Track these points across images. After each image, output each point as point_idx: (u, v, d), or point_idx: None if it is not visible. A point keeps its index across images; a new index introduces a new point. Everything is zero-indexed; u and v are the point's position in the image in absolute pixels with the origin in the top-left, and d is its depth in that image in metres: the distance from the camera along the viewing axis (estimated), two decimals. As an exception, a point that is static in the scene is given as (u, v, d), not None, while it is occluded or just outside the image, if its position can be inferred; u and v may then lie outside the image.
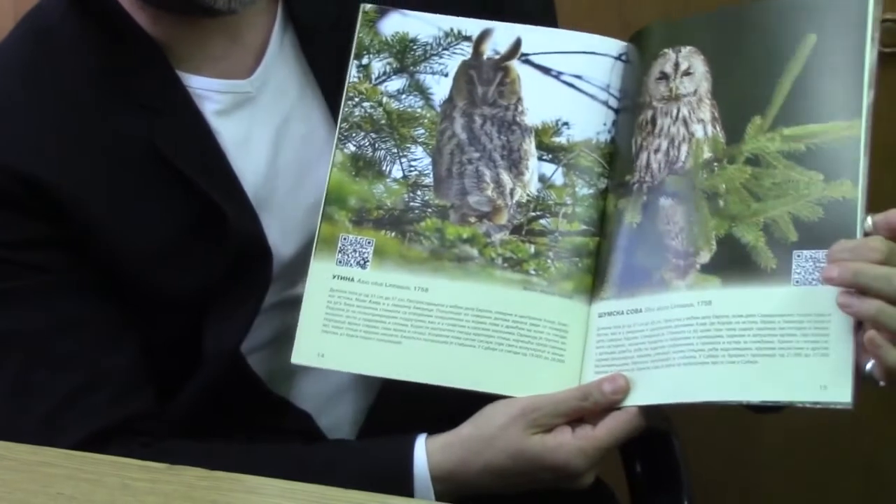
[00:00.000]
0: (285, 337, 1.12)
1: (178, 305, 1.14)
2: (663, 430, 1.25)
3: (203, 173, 1.12)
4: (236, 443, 1.12)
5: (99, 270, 1.12)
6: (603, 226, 1.11)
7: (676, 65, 1.11)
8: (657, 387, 1.04)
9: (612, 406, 1.05)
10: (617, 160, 1.12)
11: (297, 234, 1.15)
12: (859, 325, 0.98)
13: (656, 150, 1.11)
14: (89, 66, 1.13)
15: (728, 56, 1.10)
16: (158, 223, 1.13)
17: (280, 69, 1.18)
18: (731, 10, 1.12)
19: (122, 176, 1.13)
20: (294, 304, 1.12)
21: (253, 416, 1.15)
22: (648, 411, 1.05)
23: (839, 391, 0.97)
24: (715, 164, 1.07)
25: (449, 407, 1.08)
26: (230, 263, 1.12)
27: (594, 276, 1.10)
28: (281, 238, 1.15)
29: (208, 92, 1.15)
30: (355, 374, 1.17)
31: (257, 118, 1.17)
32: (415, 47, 1.15)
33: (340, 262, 1.11)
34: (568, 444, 1.04)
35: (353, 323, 1.09)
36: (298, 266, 1.12)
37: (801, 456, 1.80)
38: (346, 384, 1.19)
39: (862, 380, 0.98)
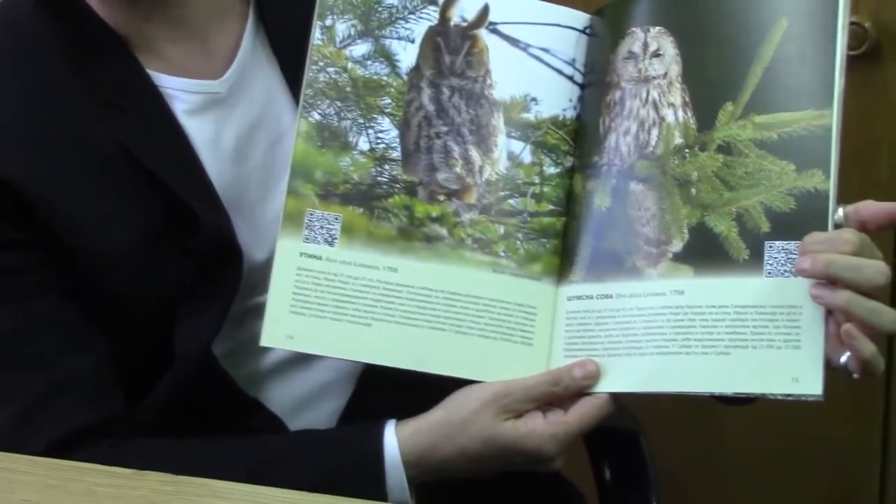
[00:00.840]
0: (254, 343, 1.11)
1: (148, 305, 1.12)
2: (631, 430, 1.27)
3: (173, 172, 1.10)
4: (204, 438, 1.11)
5: (68, 271, 1.10)
6: (569, 206, 1.11)
7: (645, 45, 1.10)
8: (629, 375, 1.06)
9: (582, 391, 1.06)
10: (583, 139, 1.12)
11: (269, 239, 1.11)
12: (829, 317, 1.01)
13: (625, 133, 1.10)
14: (57, 63, 1.11)
15: (699, 39, 1.09)
16: (128, 223, 1.11)
17: (252, 71, 1.17)
18: (702, -8, 1.11)
19: (91, 175, 1.10)
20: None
21: (225, 417, 1.14)
22: (618, 403, 1.06)
23: (810, 383, 1.00)
24: (686, 150, 1.08)
25: (420, 409, 1.08)
26: (200, 262, 1.11)
27: (561, 257, 1.10)
28: (252, 241, 1.14)
29: (178, 91, 1.13)
30: (326, 381, 1.17)
31: (228, 119, 1.15)
32: (380, 9, 1.12)
33: (308, 238, 1.08)
34: (540, 429, 1.05)
35: (322, 304, 1.08)
36: (269, 272, 1.10)
37: (768, 455, 1.82)
38: (319, 389, 1.18)
39: (836, 372, 1.00)
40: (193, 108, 1.14)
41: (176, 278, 1.11)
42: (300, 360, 1.17)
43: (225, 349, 1.15)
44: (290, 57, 1.13)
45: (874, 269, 0.97)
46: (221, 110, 1.15)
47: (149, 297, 1.12)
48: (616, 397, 1.07)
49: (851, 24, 1.51)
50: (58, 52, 1.11)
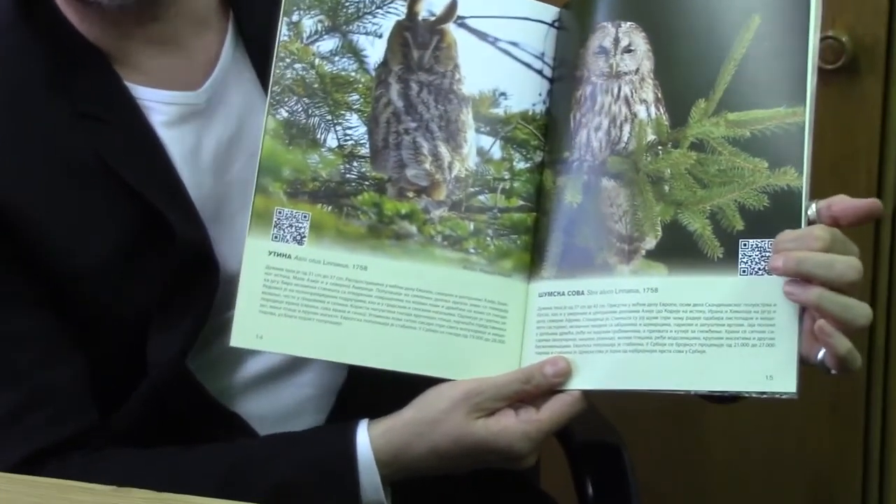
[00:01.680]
0: (232, 356, 1.10)
1: (123, 316, 1.10)
2: (613, 443, 1.26)
3: (149, 184, 1.09)
4: (177, 447, 1.09)
5: (43, 283, 1.09)
6: (539, 201, 1.10)
7: (616, 40, 1.10)
8: (601, 372, 1.05)
9: (554, 388, 1.06)
10: (553, 134, 1.11)
11: None
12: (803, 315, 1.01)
13: (597, 129, 1.10)
14: (35, 75, 1.10)
15: (671, 35, 1.09)
16: (104, 235, 1.10)
17: (231, 83, 1.16)
18: (673, -13, 1.11)
19: (68, 187, 1.09)
20: None
21: (202, 430, 1.12)
22: (600, 416, 1.06)
23: (785, 381, 1.00)
24: (659, 147, 1.07)
25: None
26: (176, 274, 1.10)
27: (532, 253, 1.10)
28: (230, 253, 1.12)
29: (156, 103, 1.13)
30: (306, 396, 1.16)
31: (207, 130, 1.14)
32: (347, 4, 1.11)
33: (276, 237, 1.07)
34: (512, 427, 1.04)
35: (292, 303, 1.06)
36: None
37: (749, 467, 1.81)
38: (299, 404, 1.17)
39: (813, 368, 1.00)
40: (172, 119, 1.13)
41: (151, 290, 1.10)
42: (279, 374, 1.16)
43: (202, 361, 1.13)
44: (269, 68, 1.11)
45: (845, 264, 0.97)
46: (200, 121, 1.14)
47: (124, 309, 1.10)
48: (588, 395, 1.06)
49: (828, 38, 1.53)
50: (36, 64, 1.11)
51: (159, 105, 1.13)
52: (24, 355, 1.08)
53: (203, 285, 1.11)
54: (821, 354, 0.99)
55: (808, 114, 1.03)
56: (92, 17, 1.11)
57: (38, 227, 1.08)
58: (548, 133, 1.11)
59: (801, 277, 0.98)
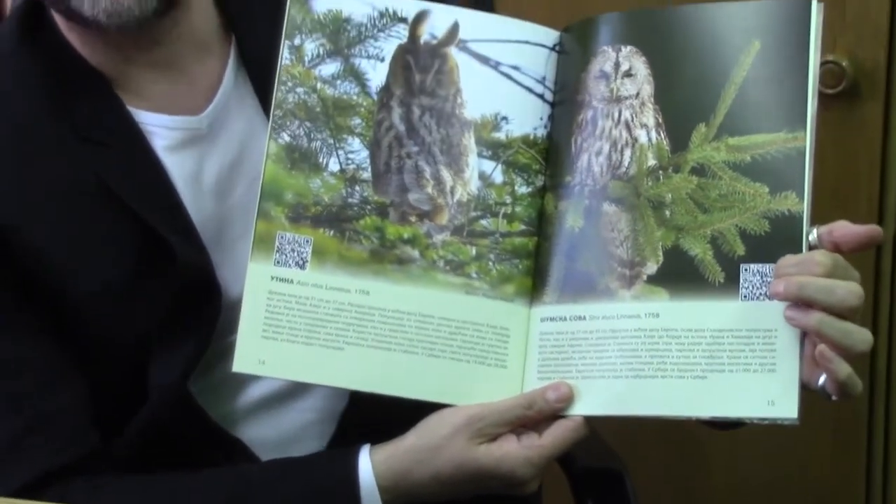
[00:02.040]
0: (233, 381, 1.10)
1: (125, 341, 1.10)
2: (616, 469, 1.26)
3: (152, 208, 1.10)
4: (178, 472, 1.10)
5: (45, 308, 1.09)
6: (541, 225, 1.10)
7: (617, 64, 1.10)
8: (603, 397, 1.05)
9: (556, 414, 1.06)
10: (554, 158, 1.11)
11: None
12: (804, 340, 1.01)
13: (598, 153, 1.10)
14: (38, 100, 1.11)
15: (671, 59, 1.09)
16: (107, 260, 1.10)
17: (233, 107, 1.16)
18: (673, 11, 1.11)
19: (70, 212, 1.10)
20: None
21: (203, 455, 1.12)
22: (602, 441, 1.05)
23: (786, 406, 1.00)
24: (660, 171, 1.07)
25: None
26: (178, 299, 1.10)
27: (534, 278, 1.10)
28: (231, 277, 1.12)
29: (158, 128, 1.13)
30: (308, 421, 1.16)
31: (208, 155, 1.14)
32: (348, 27, 1.11)
33: (278, 262, 1.07)
34: (514, 453, 1.04)
35: (294, 328, 1.06)
36: None
37: (751, 493, 1.80)
38: (300, 429, 1.17)
39: (815, 394, 1.00)
40: (174, 144, 1.13)
41: (152, 315, 1.10)
42: (281, 399, 1.16)
43: (203, 386, 1.13)
44: (271, 93, 1.11)
45: (846, 290, 0.97)
46: (202, 146, 1.14)
47: (126, 333, 1.10)
48: (590, 420, 1.06)
49: (829, 62, 1.53)
50: (39, 89, 1.11)
51: (161, 129, 1.13)
52: (26, 380, 1.08)
53: (205, 309, 1.11)
54: (821, 380, 0.99)
55: (808, 139, 1.04)
56: (94, 41, 1.12)
57: (40, 252, 1.08)
58: (549, 157, 1.11)
59: (802, 302, 0.98)
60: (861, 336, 0.98)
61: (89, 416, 1.11)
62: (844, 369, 0.98)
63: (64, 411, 1.09)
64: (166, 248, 1.09)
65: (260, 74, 1.15)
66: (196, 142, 1.14)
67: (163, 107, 1.13)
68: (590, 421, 1.06)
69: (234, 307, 1.08)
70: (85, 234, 1.10)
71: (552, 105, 1.12)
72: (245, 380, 1.14)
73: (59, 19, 1.13)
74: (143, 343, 1.10)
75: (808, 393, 1.00)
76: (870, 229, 1.01)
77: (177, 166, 1.13)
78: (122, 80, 1.13)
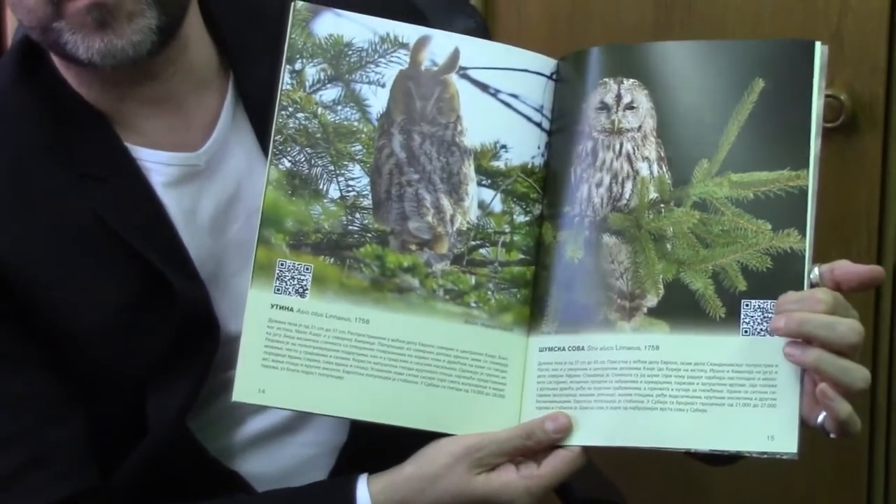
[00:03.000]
0: (232, 416, 1.09)
1: (123, 376, 1.10)
2: (614, 501, 1.26)
3: (149, 244, 1.09)
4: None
5: (44, 345, 1.08)
6: (538, 255, 1.10)
7: (618, 97, 1.10)
8: (601, 428, 1.05)
9: (554, 444, 1.05)
10: (552, 187, 1.11)
11: None
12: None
13: (598, 184, 1.10)
14: (35, 135, 1.10)
15: (674, 94, 1.09)
16: (105, 295, 1.09)
17: (230, 143, 1.15)
18: (676, 46, 1.11)
19: (68, 248, 1.09)
20: None
21: (201, 490, 1.11)
22: (602, 476, 1.05)
23: (786, 441, 1.00)
24: (661, 205, 1.07)
25: None
26: (176, 334, 1.09)
27: (532, 307, 1.09)
28: (228, 313, 1.12)
29: (156, 164, 1.12)
30: (306, 456, 1.15)
31: (206, 191, 1.14)
32: (350, 52, 1.10)
33: (278, 289, 1.06)
34: (513, 483, 1.04)
35: (294, 356, 1.05)
36: None
37: None
38: (299, 463, 1.16)
39: (813, 431, 1.00)
40: (171, 180, 1.13)
41: (151, 350, 1.09)
42: (279, 434, 1.16)
43: (201, 421, 1.13)
44: (269, 129, 1.10)
45: (846, 326, 0.98)
46: (199, 182, 1.14)
47: (124, 368, 1.10)
48: (589, 451, 1.06)
49: (827, 96, 1.53)
50: (36, 124, 1.10)
51: (159, 166, 1.12)
52: (26, 415, 1.08)
53: (203, 345, 1.10)
54: (821, 418, 1.00)
55: (811, 178, 1.04)
56: (90, 79, 1.11)
57: (39, 289, 1.07)
58: (546, 186, 1.11)
59: (802, 338, 0.99)
60: (859, 374, 0.98)
61: (90, 451, 1.10)
62: (845, 408, 0.98)
63: (64, 445, 1.08)
64: (165, 283, 1.08)
65: (257, 110, 1.15)
66: (194, 178, 1.14)
67: (160, 143, 1.13)
68: (588, 451, 1.06)
69: (232, 342, 1.08)
70: (83, 270, 1.09)
71: (549, 134, 1.12)
72: (243, 414, 1.13)
73: (55, 57, 1.12)
74: (142, 378, 1.10)
75: (809, 428, 1.00)
76: (871, 269, 1.01)
77: (174, 202, 1.12)
78: (120, 117, 1.13)
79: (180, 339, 1.09)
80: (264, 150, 1.13)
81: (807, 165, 1.04)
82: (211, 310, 1.11)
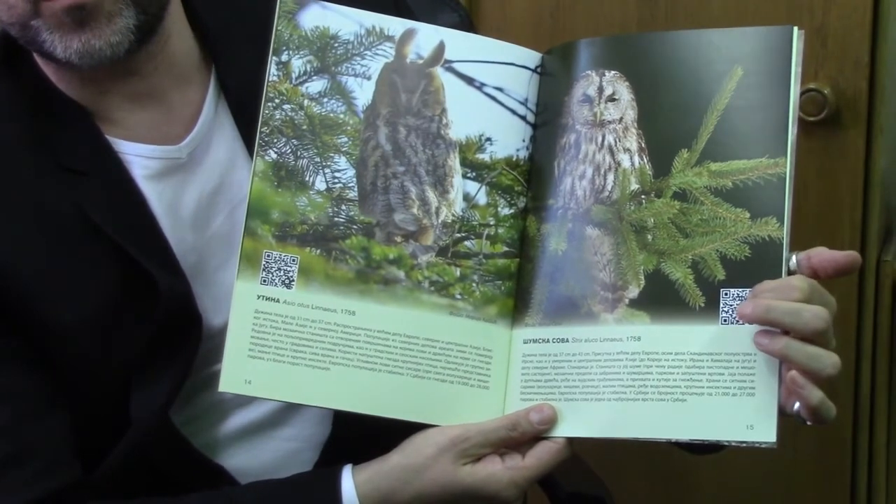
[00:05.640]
0: (216, 410, 1.10)
1: (106, 371, 1.10)
2: (599, 496, 1.26)
3: (131, 237, 1.09)
4: (160, 498, 1.09)
5: (26, 339, 1.08)
6: (522, 247, 1.11)
7: (600, 89, 1.11)
8: (586, 420, 1.06)
9: (539, 435, 1.06)
10: (536, 180, 1.12)
11: (228, 305, 1.09)
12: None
13: (581, 177, 1.11)
14: (16, 130, 1.10)
15: (654, 85, 1.10)
16: (87, 289, 1.09)
17: (213, 136, 1.15)
18: (657, 37, 1.12)
19: (50, 242, 1.09)
20: None
21: (186, 484, 1.11)
22: (585, 463, 1.06)
23: (765, 430, 1.01)
24: (642, 196, 1.08)
25: None
26: (159, 328, 1.09)
27: (516, 299, 1.10)
28: (212, 307, 1.12)
29: (137, 157, 1.12)
30: (290, 450, 1.16)
31: (188, 184, 1.14)
32: (336, 45, 1.11)
33: (265, 280, 1.07)
34: (498, 474, 1.05)
35: (280, 347, 1.06)
36: None
37: None
38: (283, 457, 1.17)
39: (788, 419, 1.01)
40: (153, 173, 1.13)
41: (134, 344, 1.10)
42: (263, 428, 1.16)
43: (185, 416, 1.14)
44: (251, 122, 1.11)
45: (811, 313, 0.98)
46: (181, 175, 1.14)
47: (108, 362, 1.10)
48: (574, 443, 1.07)
49: (811, 90, 1.55)
50: (17, 119, 1.11)
51: (140, 159, 1.13)
52: (9, 410, 1.08)
53: (186, 339, 1.11)
54: (796, 405, 1.00)
55: (789, 165, 1.05)
56: (70, 76, 1.12)
57: (21, 283, 1.07)
58: (530, 179, 1.12)
59: (769, 325, 0.99)
60: (829, 360, 0.98)
61: (73, 446, 1.10)
62: (816, 395, 0.98)
63: (48, 440, 1.09)
64: (146, 277, 1.09)
65: (239, 102, 1.15)
66: (176, 171, 1.14)
67: (142, 136, 1.13)
68: (573, 444, 1.07)
69: (216, 337, 1.09)
70: (64, 264, 1.09)
71: (534, 127, 1.13)
72: (228, 408, 1.14)
73: (35, 54, 1.12)
74: (125, 372, 1.10)
75: (793, 420, 1.01)
76: (848, 255, 1.02)
77: (156, 196, 1.13)
78: (101, 111, 1.13)
79: (162, 333, 1.10)
80: (247, 142, 1.14)
81: (785, 153, 1.05)
82: (193, 304, 1.11)
